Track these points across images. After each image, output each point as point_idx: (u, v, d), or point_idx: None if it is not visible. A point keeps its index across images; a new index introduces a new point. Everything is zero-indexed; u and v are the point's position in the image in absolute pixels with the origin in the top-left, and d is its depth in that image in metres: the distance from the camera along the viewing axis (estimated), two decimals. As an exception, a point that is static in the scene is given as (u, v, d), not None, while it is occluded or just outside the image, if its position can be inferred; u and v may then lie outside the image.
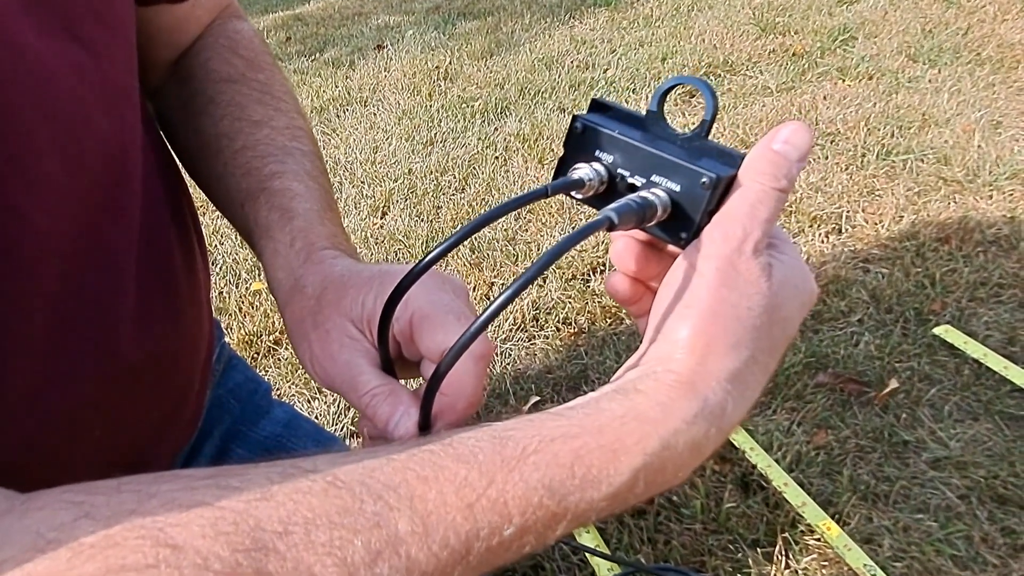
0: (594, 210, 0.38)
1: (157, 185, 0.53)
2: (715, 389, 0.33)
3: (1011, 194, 1.84)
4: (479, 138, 2.55)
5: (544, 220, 2.04)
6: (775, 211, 0.35)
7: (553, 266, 1.86)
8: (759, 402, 1.39)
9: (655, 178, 0.36)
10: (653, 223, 0.36)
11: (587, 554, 1.17)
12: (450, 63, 3.24)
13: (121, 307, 0.48)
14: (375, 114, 2.92)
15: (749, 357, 0.34)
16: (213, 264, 2.10)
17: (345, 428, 1.54)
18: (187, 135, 0.60)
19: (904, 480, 1.23)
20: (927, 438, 1.30)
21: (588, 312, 1.71)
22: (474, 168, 2.38)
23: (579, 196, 0.38)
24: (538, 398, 1.49)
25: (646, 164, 0.36)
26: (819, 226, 1.85)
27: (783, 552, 1.15)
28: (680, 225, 0.36)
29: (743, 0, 3.25)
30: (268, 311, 1.88)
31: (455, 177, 2.35)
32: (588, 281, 1.81)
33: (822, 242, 1.81)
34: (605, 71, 2.88)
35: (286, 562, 0.27)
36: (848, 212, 1.88)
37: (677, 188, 0.36)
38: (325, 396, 1.62)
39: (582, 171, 0.38)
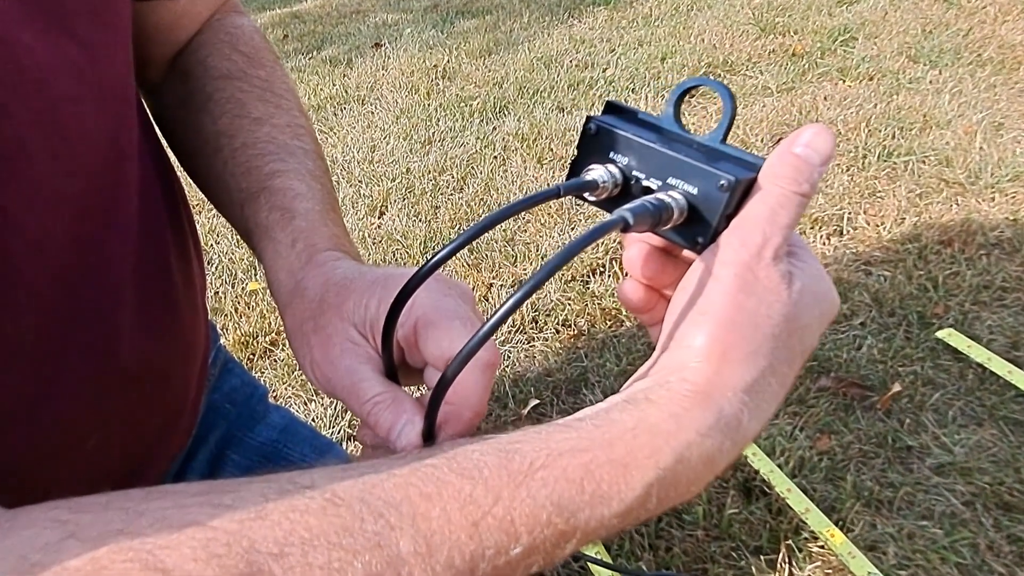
0: (605, 212, 0.36)
1: (154, 187, 0.52)
2: (731, 400, 0.32)
3: (1013, 196, 1.83)
4: (477, 137, 2.53)
5: (543, 221, 2.03)
6: (796, 217, 0.34)
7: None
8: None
9: (671, 180, 0.35)
10: (669, 226, 0.35)
11: (588, 562, 1.16)
12: (448, 62, 3.23)
13: (117, 314, 0.47)
14: (373, 113, 2.90)
15: (767, 367, 0.33)
16: (208, 264, 2.09)
17: (342, 431, 1.53)
18: (185, 133, 0.58)
19: (908, 486, 1.22)
20: (931, 443, 1.28)
21: (588, 314, 1.70)
22: (472, 168, 2.37)
23: (592, 198, 0.37)
24: (537, 401, 1.48)
25: (662, 166, 0.35)
26: (820, 228, 1.84)
27: (786, 560, 1.14)
28: (696, 229, 0.35)
29: (743, 0, 3.24)
30: (264, 311, 1.86)
31: (453, 177, 2.34)
32: (588, 283, 1.79)
33: (823, 244, 1.80)
34: (604, 70, 2.87)
35: None
36: (849, 214, 1.87)
37: (694, 191, 0.34)
38: (322, 398, 1.60)
39: (596, 172, 0.37)
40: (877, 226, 1.82)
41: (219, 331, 0.97)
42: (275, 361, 1.73)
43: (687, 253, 0.38)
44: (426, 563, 0.28)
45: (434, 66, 3.20)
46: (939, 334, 1.49)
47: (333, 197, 0.55)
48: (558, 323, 1.69)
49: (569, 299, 1.74)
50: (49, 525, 0.26)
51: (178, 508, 0.27)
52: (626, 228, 0.33)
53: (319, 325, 0.44)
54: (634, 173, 0.36)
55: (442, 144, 2.55)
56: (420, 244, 2.04)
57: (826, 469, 1.26)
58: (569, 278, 1.80)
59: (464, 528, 0.29)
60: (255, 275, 2.01)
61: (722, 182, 0.33)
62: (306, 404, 1.60)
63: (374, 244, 2.09)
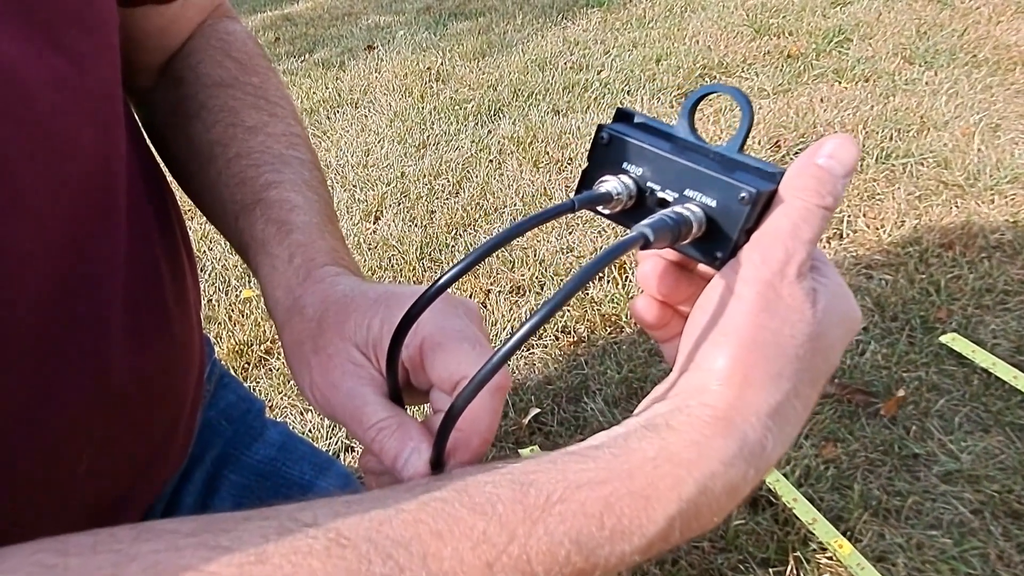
0: (621, 226, 0.35)
1: (143, 199, 0.50)
2: (754, 425, 0.30)
3: (1013, 198, 1.82)
4: (472, 141, 2.51)
5: (540, 226, 2.01)
6: (819, 231, 0.32)
7: (551, 274, 1.83)
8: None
9: (688, 192, 0.33)
10: (687, 241, 0.33)
11: None
12: (442, 64, 3.21)
13: (108, 330, 0.45)
14: (366, 116, 2.88)
15: (791, 390, 0.31)
16: (202, 271, 2.06)
17: (340, 442, 1.50)
18: (177, 142, 0.56)
19: (916, 495, 1.20)
20: (937, 451, 1.27)
21: (587, 320, 1.68)
22: (468, 171, 2.35)
23: (606, 211, 0.36)
24: (538, 410, 1.45)
25: (678, 177, 0.34)
26: (820, 231, 1.82)
27: (795, 572, 1.12)
28: (715, 244, 0.33)
29: (736, 1, 3.23)
30: (259, 319, 1.84)
31: (449, 181, 2.31)
32: (587, 289, 1.77)
33: (823, 248, 1.78)
34: (599, 72, 2.85)
35: None
36: (849, 217, 1.85)
37: (713, 203, 0.33)
38: (317, 407, 1.58)
39: (610, 184, 0.35)
40: (877, 229, 1.80)
41: (213, 341, 0.95)
42: (270, 370, 1.71)
43: (704, 268, 0.36)
44: None
45: (428, 69, 3.18)
46: (943, 339, 1.47)
47: (331, 209, 0.53)
48: (557, 330, 1.67)
49: (568, 305, 1.72)
50: (35, 570, 0.25)
51: (171, 551, 0.26)
52: (646, 245, 0.31)
53: (319, 345, 0.42)
54: (649, 184, 0.35)
55: (437, 148, 2.53)
56: (416, 249, 2.02)
57: (832, 478, 1.25)
58: (567, 283, 1.78)
59: (478, 569, 0.27)
60: (249, 282, 1.99)
61: (743, 195, 0.32)
62: (302, 415, 1.58)
63: (369, 250, 2.07)
